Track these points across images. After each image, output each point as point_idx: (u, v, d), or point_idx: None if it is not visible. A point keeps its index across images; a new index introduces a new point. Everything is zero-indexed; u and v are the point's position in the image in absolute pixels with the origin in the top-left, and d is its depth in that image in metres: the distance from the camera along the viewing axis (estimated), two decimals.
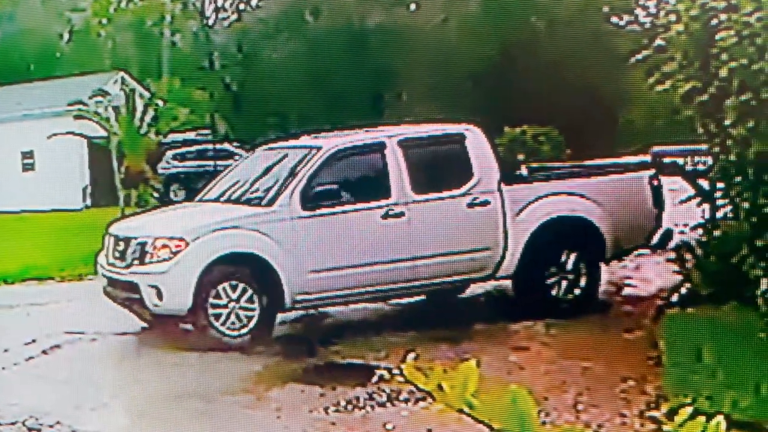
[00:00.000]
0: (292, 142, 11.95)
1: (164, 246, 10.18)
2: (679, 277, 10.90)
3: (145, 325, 10.93)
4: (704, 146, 11.43)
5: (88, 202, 27.83)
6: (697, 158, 12.04)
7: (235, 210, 10.65)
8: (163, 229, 10.57)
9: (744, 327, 8.94)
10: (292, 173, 10.52)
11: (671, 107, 11.08)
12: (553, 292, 10.78)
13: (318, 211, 10.28)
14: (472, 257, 10.61)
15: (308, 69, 30.56)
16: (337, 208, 10.36)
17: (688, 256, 10.91)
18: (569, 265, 10.82)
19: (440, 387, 2.92)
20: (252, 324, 10.12)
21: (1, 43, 34.33)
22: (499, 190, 10.74)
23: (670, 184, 12.74)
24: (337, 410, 8.09)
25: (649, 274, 12.41)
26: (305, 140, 11.61)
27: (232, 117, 29.99)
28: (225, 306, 10.10)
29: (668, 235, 11.38)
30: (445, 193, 10.66)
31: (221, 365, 9.64)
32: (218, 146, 27.33)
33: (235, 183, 11.41)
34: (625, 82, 27.18)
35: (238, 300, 10.12)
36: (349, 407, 8.15)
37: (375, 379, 8.70)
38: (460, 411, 2.89)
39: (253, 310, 10.14)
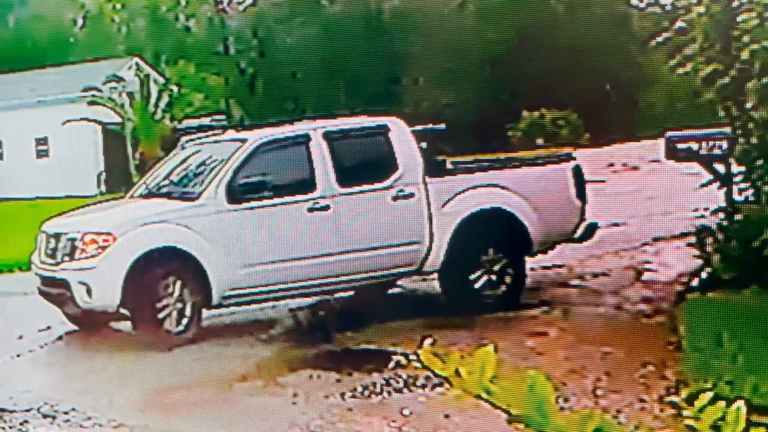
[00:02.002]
0: (218, 136, 11.91)
1: (92, 241, 10.16)
2: (700, 262, 10.86)
3: (74, 327, 10.87)
4: (720, 130, 11.36)
5: (103, 188, 27.91)
6: (712, 142, 11.93)
7: (163, 204, 10.60)
8: (91, 224, 10.52)
9: (765, 311, 8.91)
10: (218, 167, 10.48)
11: (692, 90, 11.02)
12: (479, 287, 10.65)
13: (244, 205, 10.23)
14: (398, 251, 10.52)
15: (324, 53, 30.51)
16: (263, 202, 10.30)
17: (708, 241, 10.87)
18: (494, 259, 10.75)
19: (457, 372, 2.93)
20: (186, 320, 10.04)
21: (14, 29, 34.43)
22: (424, 182, 10.68)
23: (687, 168, 12.68)
24: (353, 396, 8.12)
25: (669, 259, 12.37)
26: (231, 134, 11.57)
27: (247, 102, 29.99)
28: (164, 302, 10.03)
29: (592, 228, 11.25)
30: (370, 186, 10.59)
31: (236, 352, 9.69)
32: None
33: (164, 177, 11.37)
34: (645, 65, 27.02)
35: (172, 296, 10.04)
36: (366, 393, 8.18)
37: (392, 364, 8.72)
38: (478, 397, 2.89)
39: (185, 306, 10.07)
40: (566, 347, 9.15)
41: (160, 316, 10.00)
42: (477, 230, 10.65)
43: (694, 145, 12.06)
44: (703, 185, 11.78)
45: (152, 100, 26.28)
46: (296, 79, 31.04)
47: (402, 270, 10.74)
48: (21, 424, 8.18)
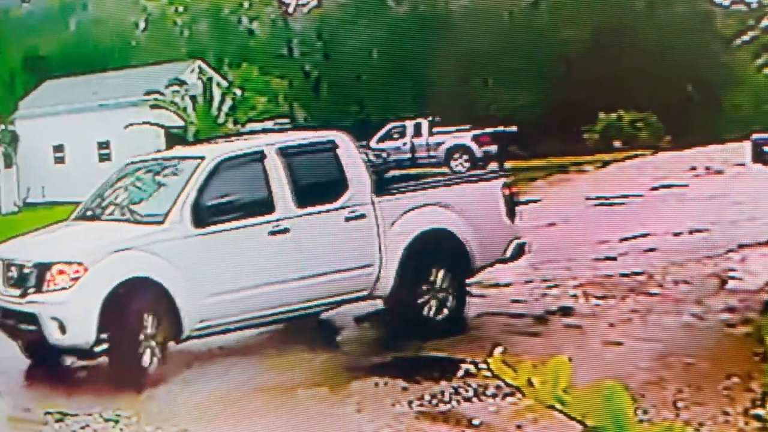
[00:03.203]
0: (170, 153, 11.48)
1: (62, 272, 9.61)
2: None
3: (28, 361, 10.45)
4: None
5: None
6: None
7: (128, 229, 10.16)
8: (59, 252, 9.96)
9: None
10: (179, 187, 10.10)
11: None
12: (426, 312, 10.47)
13: (209, 229, 9.86)
14: (353, 275, 10.29)
15: (390, 55, 30.63)
16: (227, 225, 9.95)
17: None
18: (439, 282, 10.59)
19: (530, 382, 2.93)
20: (157, 356, 9.61)
21: (75, 33, 35.20)
22: (372, 202, 10.52)
23: None
24: (421, 404, 8.14)
25: (755, 266, 12.18)
26: (183, 150, 11.16)
27: (311, 105, 30.25)
28: (140, 337, 9.57)
29: (521, 248, 11.06)
30: (325, 207, 10.37)
31: (300, 359, 9.77)
32: None
33: (119, 198, 10.93)
34: (729, 64, 26.62)
35: (145, 330, 9.58)
36: (434, 401, 8.20)
37: (461, 373, 8.73)
38: (551, 407, 2.89)
39: (155, 340, 9.64)
40: (645, 357, 9.06)
41: (138, 352, 9.51)
42: (423, 252, 10.52)
43: None
44: None
45: (215, 104, 26.67)
46: (361, 82, 31.21)
47: (355, 295, 10.49)
48: (82, 428, 8.37)
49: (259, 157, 10.41)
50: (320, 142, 10.85)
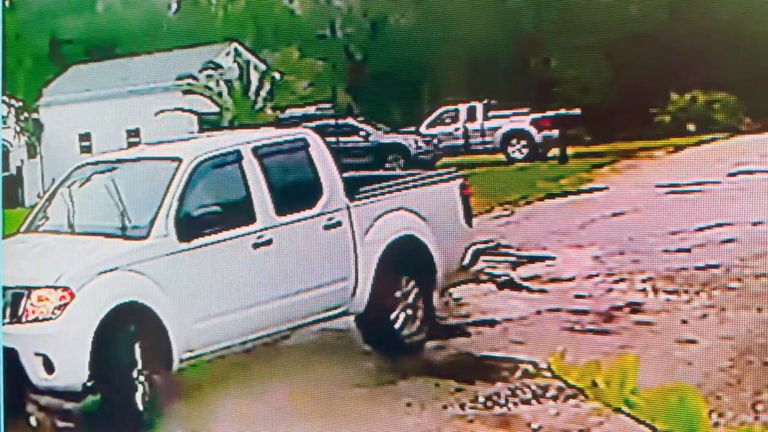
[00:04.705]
0: (134, 153, 11.03)
1: (45, 298, 9.09)
2: None
3: None
4: None
5: None
6: None
7: (111, 245, 9.62)
8: (37, 274, 9.36)
9: None
10: (159, 194, 9.74)
11: None
12: (398, 328, 10.53)
13: (194, 243, 9.57)
14: (332, 290, 10.27)
15: (442, 34, 30.60)
16: (211, 238, 9.68)
17: None
18: (409, 295, 10.55)
19: (594, 383, 2.92)
20: (148, 393, 9.27)
21: (103, 15, 35.59)
22: (347, 207, 10.52)
23: None
24: (474, 407, 8.16)
25: None
26: (152, 150, 10.73)
27: (356, 89, 30.33)
28: (134, 373, 9.28)
29: (478, 254, 11.03)
30: (304, 214, 10.31)
31: (345, 357, 9.83)
32: (340, 121, 27.67)
33: (87, 207, 10.45)
34: None
35: (138, 364, 9.26)
36: (489, 404, 8.21)
37: (519, 373, 8.73)
38: (618, 410, 2.88)
39: (145, 375, 9.36)
40: (721, 357, 9.01)
41: (132, 390, 9.20)
42: (395, 262, 10.61)
43: None
44: None
45: (252, 89, 26.82)
46: (411, 64, 31.22)
47: (334, 312, 10.45)
48: None
49: (236, 157, 10.28)
50: (293, 140, 10.79)
